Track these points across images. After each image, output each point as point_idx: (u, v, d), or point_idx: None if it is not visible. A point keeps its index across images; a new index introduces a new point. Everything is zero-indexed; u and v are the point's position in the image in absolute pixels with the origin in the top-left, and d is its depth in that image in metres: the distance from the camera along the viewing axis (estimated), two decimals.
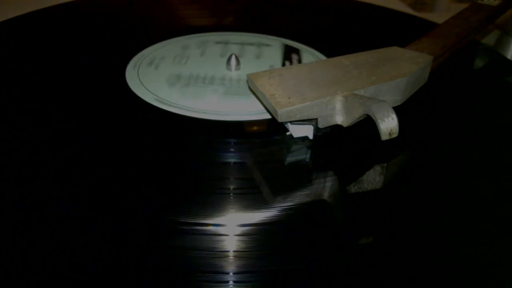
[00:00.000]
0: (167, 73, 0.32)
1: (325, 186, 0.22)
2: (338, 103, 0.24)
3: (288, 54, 0.35)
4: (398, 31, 0.42)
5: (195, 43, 0.37)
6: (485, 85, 0.33)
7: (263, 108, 0.27)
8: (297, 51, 0.35)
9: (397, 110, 0.23)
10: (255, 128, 0.26)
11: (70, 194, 0.21)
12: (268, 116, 0.27)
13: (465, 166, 0.24)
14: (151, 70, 0.32)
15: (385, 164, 0.24)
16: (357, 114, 0.23)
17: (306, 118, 0.23)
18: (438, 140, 0.26)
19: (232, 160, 0.24)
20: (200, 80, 0.31)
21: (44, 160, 0.23)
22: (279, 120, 0.23)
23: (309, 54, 0.35)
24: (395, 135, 0.22)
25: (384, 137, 0.22)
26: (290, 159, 0.24)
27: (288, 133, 0.25)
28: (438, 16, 0.45)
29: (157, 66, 0.33)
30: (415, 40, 0.31)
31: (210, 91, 0.29)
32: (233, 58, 0.32)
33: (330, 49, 0.36)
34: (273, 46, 0.36)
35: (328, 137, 0.25)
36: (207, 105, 0.28)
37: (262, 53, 0.35)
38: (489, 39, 0.44)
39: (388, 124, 0.22)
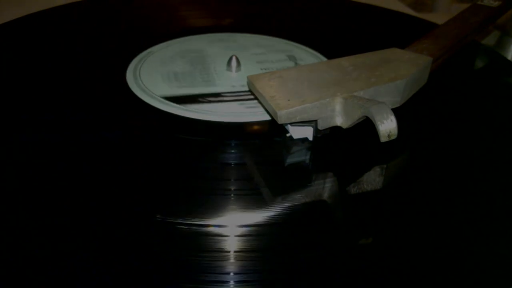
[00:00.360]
0: (189, 47, 0.35)
1: (324, 187, 0.22)
2: (337, 104, 0.24)
3: None
4: (398, 32, 0.42)
5: (266, 43, 0.37)
6: (485, 86, 0.33)
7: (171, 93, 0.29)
8: None
9: (397, 111, 0.23)
10: (253, 128, 0.27)
11: (68, 195, 0.21)
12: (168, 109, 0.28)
13: (465, 167, 0.24)
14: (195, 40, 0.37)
15: (385, 165, 0.24)
16: (356, 115, 0.23)
17: (305, 119, 0.24)
18: (437, 141, 0.26)
19: (232, 162, 0.24)
20: (187, 59, 0.34)
21: (47, 160, 0.23)
22: (279, 122, 0.23)
23: (309, 55, 0.35)
24: (394, 137, 0.22)
25: (383, 139, 0.22)
26: (290, 160, 0.24)
27: (288, 135, 0.26)
28: (439, 17, 0.45)
29: (211, 42, 0.36)
30: (414, 41, 0.31)
31: (167, 68, 0.32)
32: (234, 59, 0.32)
33: (330, 50, 0.36)
34: None
35: (328, 139, 0.25)
36: (145, 73, 0.31)
37: None
38: (489, 40, 0.44)
39: (387, 126, 0.22)
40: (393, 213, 0.21)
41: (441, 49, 0.30)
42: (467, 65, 0.36)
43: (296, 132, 0.25)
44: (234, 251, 0.19)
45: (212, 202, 0.21)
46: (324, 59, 0.35)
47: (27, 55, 0.34)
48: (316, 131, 0.25)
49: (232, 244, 0.19)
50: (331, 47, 0.37)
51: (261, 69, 0.33)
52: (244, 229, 0.20)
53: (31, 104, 0.28)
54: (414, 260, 0.19)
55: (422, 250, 0.19)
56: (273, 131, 0.26)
